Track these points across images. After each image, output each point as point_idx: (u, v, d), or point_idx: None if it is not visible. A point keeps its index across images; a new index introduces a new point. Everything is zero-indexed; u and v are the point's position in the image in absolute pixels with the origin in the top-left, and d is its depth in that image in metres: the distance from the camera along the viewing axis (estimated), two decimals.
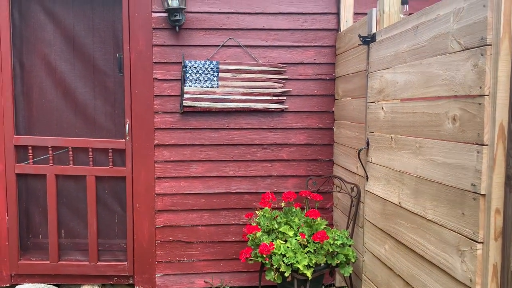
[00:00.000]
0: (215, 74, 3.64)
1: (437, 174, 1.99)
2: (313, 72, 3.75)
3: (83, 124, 3.72)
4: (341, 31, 3.63)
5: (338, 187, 3.52)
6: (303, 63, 3.73)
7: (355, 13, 3.67)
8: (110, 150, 3.67)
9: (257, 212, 3.25)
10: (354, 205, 3.13)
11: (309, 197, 3.35)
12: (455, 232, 1.85)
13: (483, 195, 1.69)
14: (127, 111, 3.63)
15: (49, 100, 3.69)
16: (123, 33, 3.60)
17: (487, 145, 1.67)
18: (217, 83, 3.64)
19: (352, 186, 3.16)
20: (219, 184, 3.74)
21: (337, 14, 3.70)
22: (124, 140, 3.66)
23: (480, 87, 1.69)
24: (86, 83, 3.70)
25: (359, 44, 2.93)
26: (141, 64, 3.60)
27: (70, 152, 3.66)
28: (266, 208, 3.22)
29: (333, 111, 3.76)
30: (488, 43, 1.66)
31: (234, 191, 3.75)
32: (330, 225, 3.78)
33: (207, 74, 3.63)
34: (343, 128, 3.51)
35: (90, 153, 3.67)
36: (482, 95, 1.68)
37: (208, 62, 3.63)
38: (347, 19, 3.65)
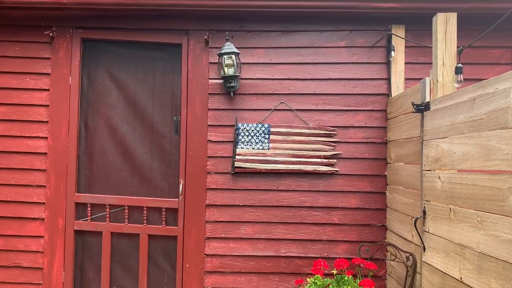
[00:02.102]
0: (267, 136, 3.73)
1: (503, 252, 1.90)
2: (364, 136, 3.76)
3: (139, 183, 3.88)
4: (392, 96, 3.66)
5: (393, 255, 3.40)
6: (354, 127, 3.77)
7: (406, 79, 3.71)
8: (164, 209, 3.78)
9: (308, 279, 3.18)
10: (410, 275, 3.00)
11: (362, 265, 3.25)
12: None
13: None
14: (181, 171, 3.77)
15: (109, 159, 3.90)
16: (181, 97, 3.81)
17: None
18: (268, 145, 3.73)
19: (408, 255, 3.05)
20: (268, 246, 3.72)
21: (388, 79, 3.75)
22: (177, 199, 3.77)
23: None
24: (144, 144, 3.90)
25: (412, 112, 2.94)
26: (196, 127, 3.77)
27: (126, 211, 3.80)
28: (318, 275, 3.15)
29: (385, 175, 3.72)
30: None
31: (283, 255, 3.71)
32: None
33: (258, 136, 3.73)
34: (396, 193, 3.44)
35: (145, 212, 3.79)
36: None
37: (260, 125, 3.74)
38: (398, 85, 3.69)
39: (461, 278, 2.25)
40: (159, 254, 3.84)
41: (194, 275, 3.71)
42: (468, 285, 2.18)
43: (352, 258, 3.39)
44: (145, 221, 3.79)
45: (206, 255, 3.73)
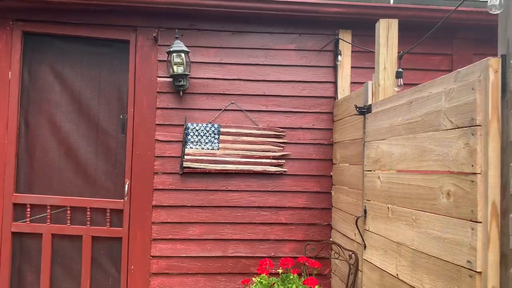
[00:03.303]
0: (216, 136, 3.72)
1: (434, 248, 1.99)
2: (312, 137, 3.84)
3: (83, 183, 3.75)
4: (339, 99, 3.76)
5: (337, 253, 3.49)
6: (302, 128, 3.83)
7: (352, 82, 3.82)
8: (108, 210, 3.67)
9: (254, 279, 3.20)
10: (352, 273, 3.09)
11: (307, 264, 3.31)
12: None
13: (479, 272, 1.69)
14: (127, 171, 3.68)
15: (51, 159, 3.75)
16: (128, 95, 3.73)
17: (481, 222, 1.70)
18: (218, 146, 3.72)
19: (350, 253, 3.14)
20: (216, 247, 3.71)
21: (335, 83, 3.85)
22: (122, 200, 3.68)
23: (472, 165, 1.75)
24: (89, 143, 3.78)
25: (356, 114, 3.03)
26: (144, 126, 3.70)
27: (68, 211, 3.66)
28: (263, 274, 3.17)
29: (331, 176, 3.81)
30: (477, 123, 1.74)
31: (231, 255, 3.71)
32: None
33: (208, 136, 3.71)
34: (341, 193, 3.54)
35: (88, 213, 3.67)
36: (474, 173, 1.73)
37: (209, 125, 3.72)
38: (344, 88, 3.80)
39: (397, 275, 2.34)
40: (103, 256, 3.73)
41: (140, 277, 3.63)
42: (403, 281, 2.27)
43: (298, 257, 3.45)
44: (88, 223, 3.67)
45: (152, 256, 3.66)
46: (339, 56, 3.79)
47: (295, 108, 3.83)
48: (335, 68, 3.86)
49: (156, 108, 3.73)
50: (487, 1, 1.75)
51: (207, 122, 3.75)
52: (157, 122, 3.72)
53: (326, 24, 3.81)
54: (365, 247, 2.82)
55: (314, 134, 3.85)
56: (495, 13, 1.73)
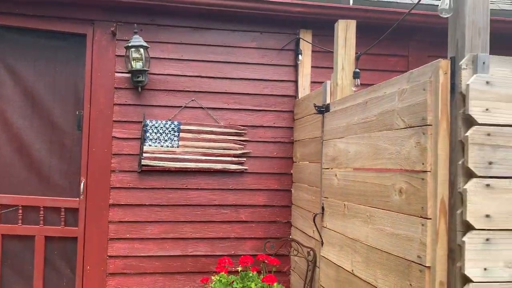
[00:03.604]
0: (176, 134, 3.67)
1: (386, 244, 2.05)
2: (273, 135, 3.86)
3: (37, 182, 3.61)
4: (299, 98, 3.80)
5: (296, 250, 3.53)
6: (263, 126, 3.84)
7: (312, 82, 3.87)
8: (63, 209, 3.55)
9: (213, 277, 3.18)
10: (310, 270, 3.13)
11: (266, 261, 3.32)
12: None
13: (428, 267, 1.75)
14: (83, 169, 3.57)
15: (2, 155, 3.58)
16: (84, 91, 3.61)
17: (430, 218, 1.75)
18: (178, 143, 3.67)
19: (309, 250, 3.18)
20: (175, 246, 3.66)
21: (296, 82, 3.88)
22: (78, 199, 3.57)
23: (423, 163, 1.80)
24: (43, 140, 3.63)
25: (315, 113, 3.07)
26: (101, 122, 3.59)
27: (20, 211, 3.51)
28: (222, 273, 3.16)
29: (292, 173, 3.84)
30: (428, 123, 1.79)
31: (191, 254, 3.68)
32: None
33: (167, 134, 3.66)
34: (300, 191, 3.57)
35: (41, 212, 3.53)
36: (424, 171, 1.79)
37: (169, 122, 3.67)
38: (304, 87, 3.84)
39: (352, 270, 2.39)
40: (57, 256, 3.60)
41: (96, 278, 3.53)
42: (358, 277, 2.32)
43: (257, 255, 3.46)
44: (41, 222, 3.53)
45: (109, 256, 3.57)
46: (299, 55, 3.82)
47: (257, 106, 3.84)
48: (296, 67, 3.89)
49: (114, 104, 3.63)
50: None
51: (167, 119, 3.69)
52: (114, 119, 3.63)
53: (287, 24, 3.83)
54: (322, 243, 2.86)
55: (275, 132, 3.87)
56: (445, 16, 1.79)
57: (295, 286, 3.60)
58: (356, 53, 2.94)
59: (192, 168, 3.67)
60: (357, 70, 2.88)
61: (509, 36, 4.01)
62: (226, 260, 3.26)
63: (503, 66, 1.70)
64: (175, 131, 3.67)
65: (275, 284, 3.06)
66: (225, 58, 3.80)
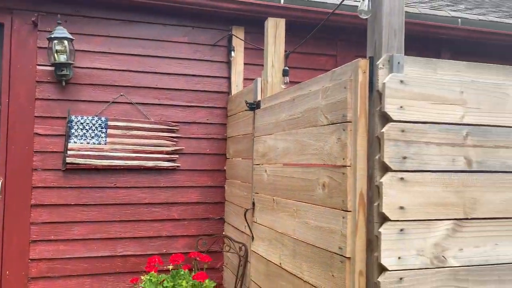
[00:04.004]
0: (104, 130, 3.53)
1: (311, 236, 2.11)
2: (206, 132, 3.83)
3: None
4: (232, 94, 3.81)
5: (228, 246, 3.54)
6: (196, 123, 3.81)
7: (245, 79, 3.89)
8: None
9: (142, 277, 3.11)
10: (242, 265, 3.16)
11: (197, 258, 3.30)
12: None
13: (349, 258, 1.82)
14: (1, 168, 3.33)
15: None
16: (2, 84, 3.37)
17: (350, 211, 1.83)
18: (105, 140, 3.53)
19: (241, 245, 3.20)
20: (103, 246, 3.53)
21: (229, 78, 3.88)
22: None
23: (343, 159, 1.88)
24: None
25: (246, 110, 3.09)
26: (21, 118, 3.37)
27: None
28: (152, 272, 3.10)
29: (225, 170, 3.85)
30: (348, 120, 1.87)
31: (120, 254, 3.56)
32: (220, 285, 3.74)
33: (94, 130, 3.51)
34: (233, 187, 3.59)
35: None
36: (345, 166, 1.86)
37: (96, 118, 3.52)
38: (237, 84, 3.85)
39: (280, 264, 2.44)
40: None
41: (16, 283, 3.32)
42: (285, 270, 2.37)
43: (189, 252, 3.43)
44: None
45: (31, 259, 3.37)
46: (232, 52, 3.82)
47: (189, 102, 3.79)
48: (229, 63, 3.89)
49: (36, 99, 3.42)
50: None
51: (94, 115, 3.54)
52: (36, 114, 3.42)
53: (220, 20, 3.82)
54: (253, 238, 2.89)
55: (208, 128, 3.84)
56: (364, 17, 1.87)
57: (227, 282, 3.61)
58: (286, 51, 3.00)
59: (121, 165, 3.55)
60: (286, 68, 2.94)
61: (427, 38, 4.29)
62: (156, 259, 3.20)
63: (416, 66, 1.81)
64: (102, 128, 3.53)
65: (206, 280, 3.05)
66: (156, 53, 3.72)
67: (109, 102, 3.59)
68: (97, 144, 3.51)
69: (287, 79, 2.91)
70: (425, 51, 4.21)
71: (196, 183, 3.77)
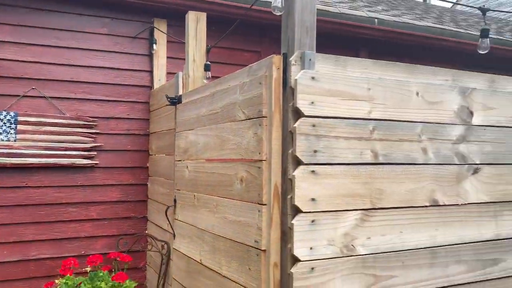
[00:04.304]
0: (13, 126, 3.28)
1: (229, 231, 2.12)
2: (127, 127, 3.70)
3: None
4: (154, 89, 3.71)
5: (151, 245, 3.45)
6: (116, 118, 3.67)
7: (168, 73, 3.81)
8: None
9: (57, 281, 2.94)
10: (164, 264, 3.10)
11: (118, 259, 3.19)
12: (244, 287, 1.97)
13: (264, 250, 1.85)
14: None
15: None
16: None
17: (265, 204, 1.86)
18: (15, 136, 3.29)
19: (163, 244, 3.14)
20: (14, 251, 3.29)
21: (151, 72, 3.78)
22: None
23: (259, 153, 1.90)
24: None
25: (167, 105, 3.02)
26: None
27: None
28: (68, 275, 2.94)
29: (147, 167, 3.74)
30: (264, 115, 1.89)
31: (33, 258, 3.35)
32: (143, 285, 3.65)
33: (2, 126, 3.25)
34: (156, 185, 3.50)
35: None
36: (261, 160, 1.89)
37: (4, 113, 3.26)
38: (160, 78, 3.76)
39: (201, 260, 2.42)
40: None
41: None
42: (206, 266, 2.36)
43: (109, 253, 3.30)
44: None
45: None
46: (154, 45, 3.73)
47: (108, 97, 3.64)
48: (151, 57, 3.79)
49: None
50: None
51: (1, 109, 3.28)
52: None
53: (141, 11, 3.70)
54: (174, 236, 2.85)
55: (129, 124, 3.72)
56: (278, 14, 1.90)
57: (150, 281, 3.53)
58: (208, 45, 2.97)
59: (34, 164, 3.33)
60: (208, 62, 2.91)
61: (347, 37, 4.47)
62: (72, 261, 3.04)
63: (326, 64, 1.87)
64: (11, 123, 3.28)
65: (126, 281, 2.96)
66: (72, 44, 3.52)
67: (19, 96, 3.34)
68: (6, 140, 3.25)
69: (209, 74, 2.89)
70: (345, 49, 4.40)
71: (116, 181, 3.64)
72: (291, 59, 1.82)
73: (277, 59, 1.86)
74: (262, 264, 1.85)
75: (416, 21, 4.96)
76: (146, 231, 3.69)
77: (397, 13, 5.24)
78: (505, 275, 2.19)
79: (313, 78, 1.80)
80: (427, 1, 11.90)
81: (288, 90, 1.83)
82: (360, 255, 1.87)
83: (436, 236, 2.03)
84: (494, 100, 2.21)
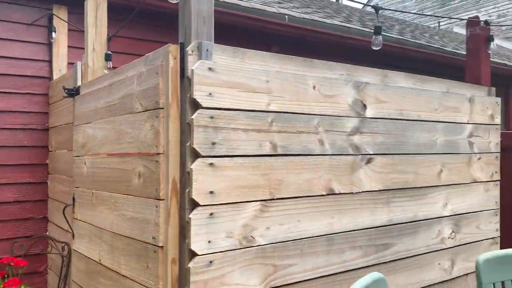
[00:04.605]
0: None
1: (128, 229, 2.03)
2: (23, 122, 3.42)
3: None
4: (54, 80, 3.46)
5: (51, 247, 3.23)
6: (11, 111, 3.37)
7: (69, 63, 3.57)
8: None
9: None
10: (65, 266, 2.91)
11: (12, 264, 2.94)
12: (143, 285, 1.90)
13: (162, 247, 1.79)
14: None
15: None
16: None
17: (163, 199, 1.80)
18: None
19: (63, 245, 2.94)
20: None
21: (50, 62, 3.51)
22: None
23: (156, 146, 1.83)
24: None
25: (65, 97, 2.83)
26: None
27: None
28: None
29: (47, 164, 3.49)
30: (161, 106, 1.83)
31: None
32: None
33: None
34: (57, 183, 3.28)
35: None
36: (158, 154, 1.82)
37: None
38: (60, 68, 3.52)
39: (100, 260, 2.30)
40: None
41: None
42: (105, 266, 2.25)
43: (1, 258, 3.03)
44: None
45: None
46: (53, 33, 3.47)
47: (2, 88, 3.33)
48: (50, 46, 3.52)
49: None
50: None
51: None
52: None
53: None
54: (73, 236, 2.68)
55: (25, 118, 3.43)
56: (174, 2, 1.84)
57: (52, 285, 3.30)
58: (108, 34, 2.82)
59: None
60: (109, 52, 2.77)
61: (259, 32, 4.52)
62: None
63: (224, 55, 1.86)
64: None
65: (22, 286, 2.73)
66: None
67: None
68: None
69: (110, 64, 2.75)
70: (257, 45, 4.42)
71: (11, 179, 3.34)
72: (188, 48, 1.78)
73: (173, 48, 1.81)
74: (160, 260, 1.80)
75: (326, 19, 5.15)
76: (47, 233, 3.44)
77: (308, 11, 5.41)
78: (396, 258, 2.34)
79: (210, 69, 1.78)
80: (340, 1, 12.49)
81: (185, 81, 1.79)
82: (259, 245, 1.88)
83: (333, 224, 2.11)
84: (386, 94, 2.35)
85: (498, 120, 2.92)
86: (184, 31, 1.84)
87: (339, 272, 2.12)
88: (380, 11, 2.98)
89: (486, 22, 3.02)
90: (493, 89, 2.95)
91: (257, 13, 4.31)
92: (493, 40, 2.95)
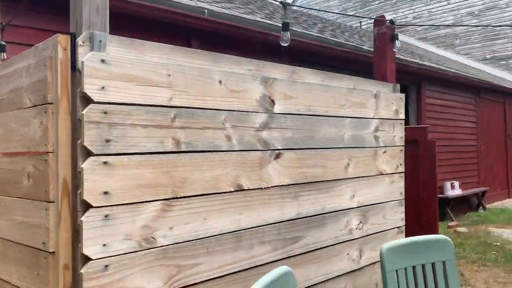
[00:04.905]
0: None
1: (18, 234, 1.86)
2: None
3: None
4: None
5: None
6: None
7: None
8: None
9: None
10: None
11: None
12: None
13: (53, 252, 1.66)
14: None
15: None
16: None
17: (53, 201, 1.67)
18: None
19: None
20: None
21: None
22: None
23: (45, 145, 1.69)
24: None
25: None
26: None
27: None
28: None
29: None
30: (49, 101, 1.69)
31: None
32: None
33: None
34: None
35: None
36: (47, 152, 1.68)
37: None
38: None
39: None
40: None
41: None
42: None
43: None
44: None
45: None
46: None
47: None
48: None
49: None
50: None
51: None
52: None
53: None
54: None
55: None
56: None
57: None
58: (1, 23, 2.58)
59: None
60: (3, 42, 2.54)
61: (178, 26, 4.41)
62: None
63: (120, 46, 1.75)
64: None
65: None
66: None
67: None
68: None
69: (4, 55, 2.52)
70: (176, 39, 4.32)
71: None
72: (78, 39, 1.65)
73: (63, 39, 1.68)
74: (51, 267, 1.67)
75: (247, 15, 5.15)
76: None
77: (229, 6, 5.37)
78: (305, 251, 2.38)
79: (103, 61, 1.67)
80: None
81: (76, 74, 1.67)
82: (161, 246, 1.81)
83: (241, 220, 2.09)
84: (294, 90, 2.37)
85: (402, 115, 3.08)
86: (76, 20, 1.72)
87: (248, 268, 2.11)
88: (305, 10, 3.01)
89: (391, 21, 3.16)
90: (398, 85, 3.10)
91: (174, 6, 4.20)
92: (397, 38, 3.10)
